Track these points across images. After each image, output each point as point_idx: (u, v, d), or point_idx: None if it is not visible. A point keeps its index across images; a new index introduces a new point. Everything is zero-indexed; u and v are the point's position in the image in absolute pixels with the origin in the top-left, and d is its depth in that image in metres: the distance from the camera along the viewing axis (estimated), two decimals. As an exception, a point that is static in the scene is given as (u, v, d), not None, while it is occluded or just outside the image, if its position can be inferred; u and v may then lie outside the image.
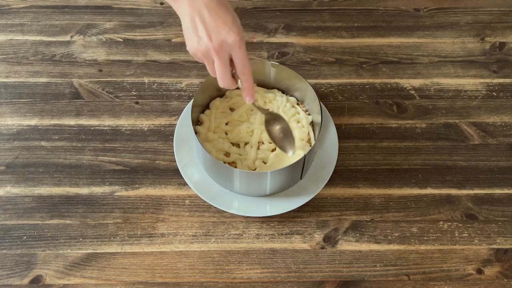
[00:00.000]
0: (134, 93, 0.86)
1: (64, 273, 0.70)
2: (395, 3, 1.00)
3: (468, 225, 0.75)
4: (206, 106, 0.80)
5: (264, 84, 0.82)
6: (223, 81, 0.65)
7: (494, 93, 0.88)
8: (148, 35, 0.94)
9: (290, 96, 0.81)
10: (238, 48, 0.62)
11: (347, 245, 0.73)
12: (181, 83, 0.88)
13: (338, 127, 0.82)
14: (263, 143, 0.76)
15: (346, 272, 0.71)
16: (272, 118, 0.74)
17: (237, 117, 0.79)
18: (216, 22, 0.62)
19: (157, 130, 0.83)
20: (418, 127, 0.84)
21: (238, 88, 0.69)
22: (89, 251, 0.72)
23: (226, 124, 0.78)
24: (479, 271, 0.71)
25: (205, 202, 0.74)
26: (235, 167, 0.74)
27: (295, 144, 0.73)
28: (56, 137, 0.82)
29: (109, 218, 0.74)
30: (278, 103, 0.79)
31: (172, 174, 0.78)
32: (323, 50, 0.93)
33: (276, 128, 0.74)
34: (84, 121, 0.83)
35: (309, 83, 0.75)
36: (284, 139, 0.74)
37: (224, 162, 0.73)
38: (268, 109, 0.76)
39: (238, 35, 0.62)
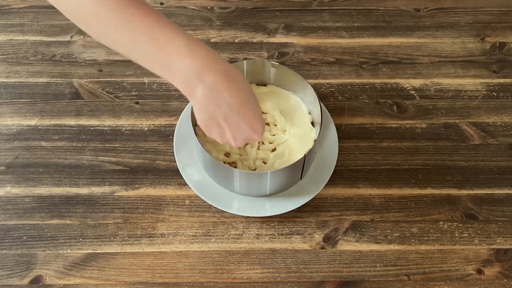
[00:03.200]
0: (134, 93, 0.86)
1: (64, 273, 0.70)
2: (395, 3, 1.00)
3: (468, 225, 0.75)
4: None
5: (264, 84, 0.82)
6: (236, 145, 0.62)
7: (494, 93, 0.88)
8: (148, 35, 0.94)
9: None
10: (260, 133, 0.60)
11: (347, 245, 0.73)
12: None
13: (338, 127, 0.82)
14: (263, 143, 0.76)
15: (346, 272, 0.71)
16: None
17: (237, 117, 0.79)
18: (242, 119, 0.58)
19: (157, 130, 0.83)
20: (418, 127, 0.84)
21: None
22: (89, 251, 0.72)
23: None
24: (479, 271, 0.71)
25: (205, 202, 0.74)
26: (235, 167, 0.74)
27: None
28: (56, 137, 0.82)
29: (109, 218, 0.74)
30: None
31: (172, 174, 0.78)
32: (323, 50, 0.93)
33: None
34: (84, 121, 0.83)
35: (309, 83, 0.75)
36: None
37: (224, 162, 0.73)
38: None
39: (262, 133, 0.60)
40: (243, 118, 0.58)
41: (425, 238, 0.73)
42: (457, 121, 0.85)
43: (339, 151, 0.77)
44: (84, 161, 0.79)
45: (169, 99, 0.86)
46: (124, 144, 0.81)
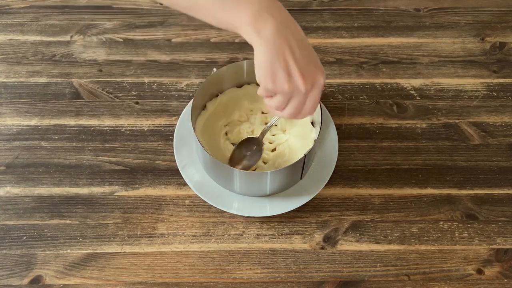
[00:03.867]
0: (134, 93, 0.86)
1: (64, 273, 0.70)
2: (395, 3, 1.00)
3: (468, 225, 0.75)
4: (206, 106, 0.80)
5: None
6: (290, 116, 0.60)
7: (494, 93, 0.88)
8: (148, 35, 0.94)
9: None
10: (320, 89, 0.59)
11: (347, 245, 0.73)
12: (181, 83, 0.88)
13: (338, 127, 0.82)
14: (263, 143, 0.76)
15: (346, 272, 0.71)
16: (254, 143, 0.74)
17: (237, 117, 0.79)
18: (308, 60, 0.57)
19: (157, 130, 0.83)
20: (418, 127, 0.84)
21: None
22: (89, 251, 0.72)
23: (226, 125, 0.78)
24: (479, 271, 0.71)
25: (205, 202, 0.74)
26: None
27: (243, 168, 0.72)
28: (56, 137, 0.82)
29: (109, 218, 0.74)
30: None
31: (172, 174, 0.78)
32: (323, 50, 0.93)
33: (246, 151, 0.75)
34: (84, 121, 0.83)
35: (309, 83, 0.74)
36: (242, 159, 0.74)
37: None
38: (261, 139, 0.74)
39: (324, 75, 0.58)
40: (312, 55, 0.58)
41: (425, 238, 0.73)
42: (457, 121, 0.85)
43: (339, 151, 0.77)
44: (84, 161, 0.79)
45: (169, 99, 0.86)
46: (124, 144, 0.81)
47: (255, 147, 0.74)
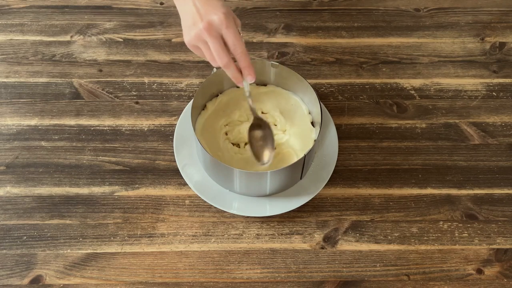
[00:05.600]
0: (134, 93, 0.86)
1: (64, 273, 0.70)
2: (395, 3, 1.00)
3: (468, 225, 0.75)
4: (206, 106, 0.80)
5: (264, 84, 0.82)
6: (220, 59, 0.66)
7: (494, 93, 0.88)
8: (148, 35, 0.94)
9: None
10: (225, 27, 0.65)
11: (347, 245, 0.73)
12: (181, 83, 0.88)
13: (338, 127, 0.82)
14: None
15: (346, 272, 0.71)
16: (257, 124, 0.73)
17: (237, 117, 0.79)
18: (206, 7, 0.66)
19: (157, 130, 0.83)
20: (418, 127, 0.84)
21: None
22: (89, 251, 0.72)
23: (226, 124, 0.78)
24: (479, 271, 0.71)
25: (205, 202, 0.74)
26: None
27: (271, 156, 0.71)
28: (56, 137, 0.82)
29: (109, 218, 0.74)
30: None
31: (172, 174, 0.78)
32: (323, 50, 0.93)
33: (258, 135, 0.73)
34: (84, 121, 0.83)
35: (309, 83, 0.75)
36: (262, 147, 0.72)
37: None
38: (258, 115, 0.73)
39: (224, 14, 0.65)
40: (211, 3, 0.67)
41: (425, 238, 0.73)
42: (457, 121, 0.85)
43: (339, 151, 0.77)
44: (84, 161, 0.79)
45: (169, 99, 0.86)
46: (124, 144, 0.81)
47: (261, 130, 0.73)
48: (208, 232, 0.73)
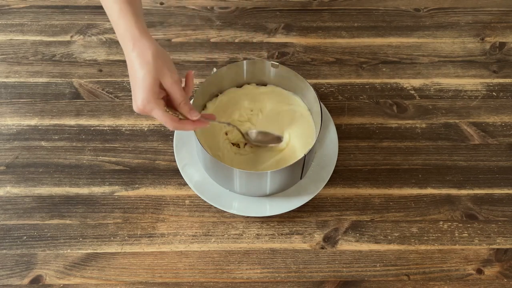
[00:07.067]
0: (134, 93, 0.86)
1: (64, 273, 0.70)
2: (395, 3, 1.00)
3: (468, 225, 0.75)
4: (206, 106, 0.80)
5: (264, 84, 0.82)
6: (170, 126, 0.64)
7: (494, 93, 0.88)
8: (148, 35, 0.94)
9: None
10: (150, 113, 0.62)
11: (347, 245, 0.73)
12: (181, 83, 0.88)
13: (338, 127, 0.82)
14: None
15: (346, 272, 0.71)
16: (244, 132, 0.76)
17: (237, 117, 0.79)
18: (132, 82, 0.63)
19: (157, 130, 0.83)
20: (418, 127, 0.84)
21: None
22: (89, 251, 0.72)
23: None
24: (479, 271, 0.71)
25: (205, 202, 0.74)
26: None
27: (276, 132, 0.76)
28: (56, 137, 0.82)
29: (109, 218, 0.74)
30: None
31: (172, 174, 0.78)
32: (323, 50, 0.93)
33: (253, 135, 0.76)
34: (84, 121, 0.83)
35: (309, 83, 0.75)
36: (265, 136, 0.76)
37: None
38: (229, 122, 0.74)
39: (141, 103, 0.61)
40: (135, 86, 0.62)
41: (425, 238, 0.73)
42: (457, 121, 0.85)
43: (339, 151, 0.77)
44: (84, 161, 0.79)
45: (169, 99, 0.86)
46: (124, 144, 0.81)
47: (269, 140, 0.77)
48: (208, 232, 0.73)
